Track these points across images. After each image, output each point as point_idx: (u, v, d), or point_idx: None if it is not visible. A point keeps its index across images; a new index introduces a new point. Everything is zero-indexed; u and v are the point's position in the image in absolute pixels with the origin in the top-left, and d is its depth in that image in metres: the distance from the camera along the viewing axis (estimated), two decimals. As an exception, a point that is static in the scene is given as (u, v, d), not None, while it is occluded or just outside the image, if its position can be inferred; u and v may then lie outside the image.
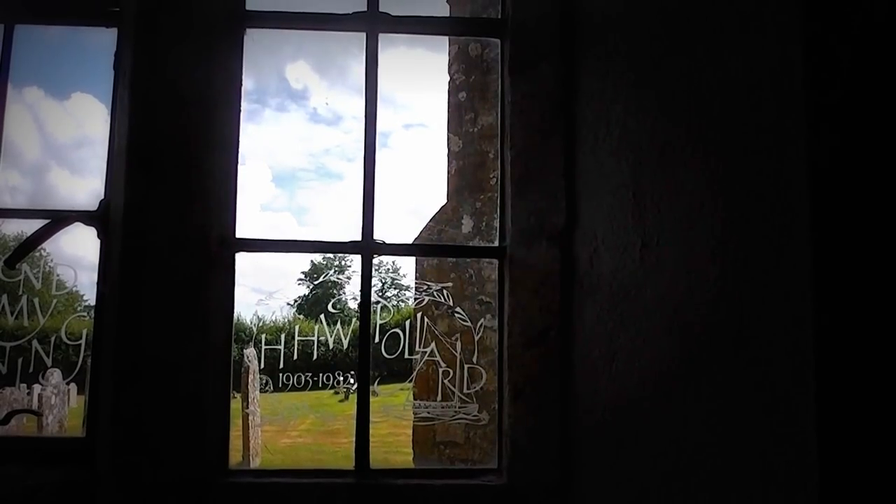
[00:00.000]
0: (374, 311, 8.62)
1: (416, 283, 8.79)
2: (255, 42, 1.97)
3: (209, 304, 1.78)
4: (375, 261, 1.95)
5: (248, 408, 9.58)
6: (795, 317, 1.02)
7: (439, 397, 8.10)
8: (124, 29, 1.91)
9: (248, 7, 1.96)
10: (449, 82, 9.24)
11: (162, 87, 1.81)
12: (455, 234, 8.86)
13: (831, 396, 0.98)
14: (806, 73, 1.02)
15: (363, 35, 1.96)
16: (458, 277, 8.55)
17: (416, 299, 8.71)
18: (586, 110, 1.79)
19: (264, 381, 9.87)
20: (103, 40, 1.94)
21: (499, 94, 1.99)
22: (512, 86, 1.92)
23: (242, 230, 1.88)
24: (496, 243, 1.95)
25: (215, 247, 1.82)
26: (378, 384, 8.95)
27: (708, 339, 1.25)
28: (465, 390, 7.99)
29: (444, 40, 8.46)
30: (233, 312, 1.88)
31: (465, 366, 8.01)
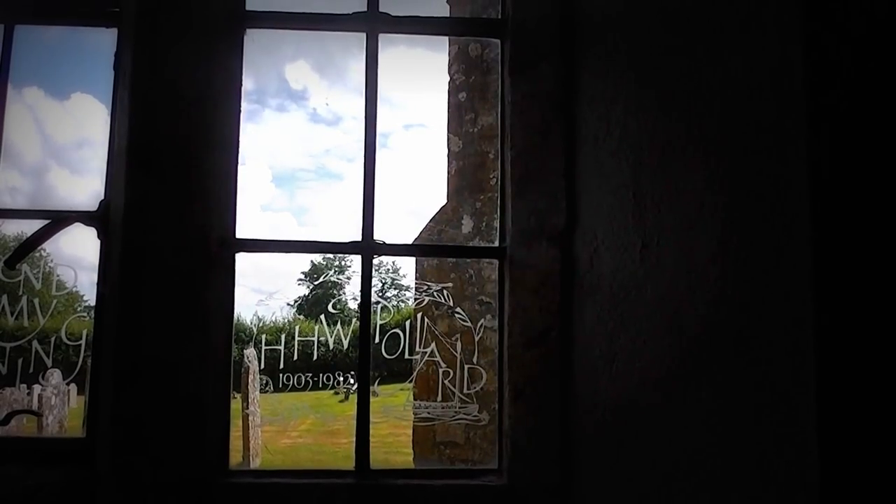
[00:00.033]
0: (375, 312, 8.62)
1: (416, 284, 8.79)
2: (255, 42, 1.97)
3: (209, 305, 1.78)
4: (375, 261, 1.95)
5: (248, 408, 9.58)
6: (796, 317, 1.02)
7: (439, 398, 8.09)
8: (124, 29, 1.91)
9: (248, 7, 1.96)
10: (449, 82, 9.24)
11: (162, 87, 1.81)
12: (455, 234, 8.86)
13: (832, 397, 0.98)
14: (806, 72, 1.02)
15: (363, 35, 1.96)
16: (459, 278, 8.55)
17: (416, 299, 8.71)
18: (586, 110, 1.79)
19: (264, 382, 9.87)
20: (103, 41, 1.95)
21: (499, 94, 2.00)
22: (512, 86, 1.92)
23: (242, 230, 1.89)
24: (496, 243, 1.95)
25: (215, 247, 1.82)
26: (378, 384, 8.95)
27: (708, 340, 1.25)
28: (465, 391, 7.99)
29: (444, 40, 8.46)
30: (233, 313, 1.88)
31: (466, 366, 8.01)
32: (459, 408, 8.00)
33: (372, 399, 1.93)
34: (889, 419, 0.98)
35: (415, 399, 8.35)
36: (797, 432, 1.01)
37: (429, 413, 8.18)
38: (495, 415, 1.95)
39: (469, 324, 8.26)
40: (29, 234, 1.88)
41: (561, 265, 1.84)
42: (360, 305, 1.96)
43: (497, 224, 1.98)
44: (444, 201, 9.23)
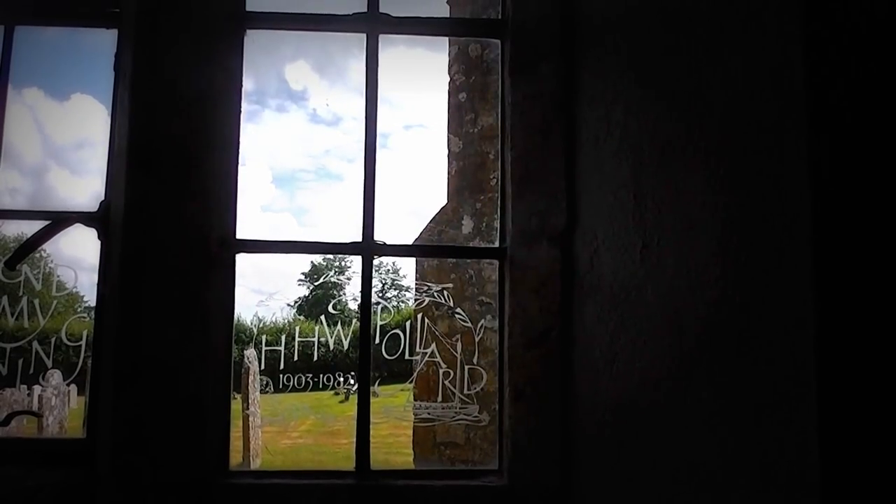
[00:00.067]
0: (375, 312, 8.61)
1: (416, 284, 8.79)
2: (255, 42, 1.97)
3: (209, 305, 1.78)
4: (376, 262, 1.95)
5: (248, 409, 9.58)
6: (796, 317, 1.02)
7: (440, 398, 8.09)
8: (124, 30, 1.91)
9: (248, 8, 1.96)
10: (449, 83, 9.24)
11: (162, 87, 1.81)
12: (455, 234, 8.86)
13: (832, 397, 0.97)
14: (807, 73, 1.02)
15: (363, 36, 1.96)
16: (459, 278, 8.55)
17: (416, 300, 8.72)
18: (587, 111, 1.79)
19: (265, 382, 9.87)
20: (103, 41, 1.95)
21: (499, 94, 1.99)
22: (512, 86, 1.92)
23: (243, 231, 1.88)
24: (497, 244, 1.95)
25: (215, 248, 1.82)
26: (378, 385, 8.96)
27: (709, 340, 1.25)
28: (465, 391, 7.99)
29: (445, 41, 8.47)
30: (233, 313, 1.88)
31: (466, 367, 8.01)
32: (460, 408, 8.00)
33: (372, 400, 1.93)
34: (890, 419, 0.98)
35: (415, 400, 8.35)
36: (798, 433, 1.01)
37: (429, 413, 8.18)
38: (495, 415, 1.95)
39: (469, 324, 8.26)
40: (29, 235, 1.88)
41: (561, 265, 1.84)
42: (360, 306, 1.95)
43: (497, 224, 1.98)
44: (444, 202, 9.24)
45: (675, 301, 1.36)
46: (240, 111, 1.91)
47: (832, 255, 1.00)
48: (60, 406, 9.73)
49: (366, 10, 1.97)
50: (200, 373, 1.76)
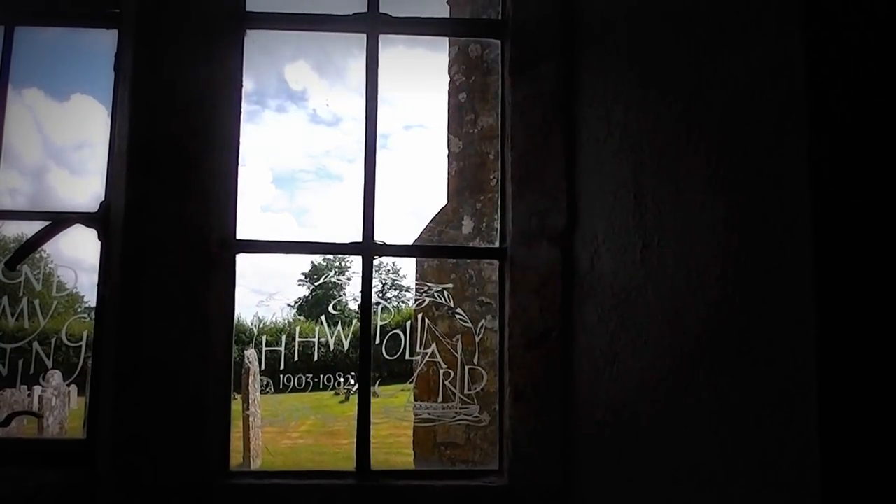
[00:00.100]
0: (375, 313, 8.61)
1: (416, 284, 8.79)
2: (255, 43, 1.97)
3: (209, 306, 1.78)
4: (376, 262, 1.95)
5: (248, 409, 9.57)
6: (797, 317, 1.02)
7: (440, 398, 8.09)
8: (124, 30, 1.92)
9: (248, 8, 1.96)
10: (449, 83, 9.24)
11: (162, 88, 1.81)
12: (455, 234, 8.86)
13: (833, 397, 0.97)
14: (807, 72, 1.02)
15: (363, 36, 1.96)
16: (459, 278, 8.54)
17: (416, 300, 8.71)
18: (587, 111, 1.78)
19: (265, 383, 9.86)
20: (103, 42, 1.95)
21: (499, 95, 2.00)
22: (512, 87, 1.92)
23: (243, 231, 1.89)
24: (497, 244, 1.95)
25: (216, 248, 1.82)
26: (379, 385, 8.95)
27: (709, 340, 1.25)
28: (465, 391, 7.98)
29: (445, 41, 8.46)
30: (233, 314, 1.88)
31: (466, 367, 8.00)
32: (460, 409, 8.00)
33: (372, 400, 1.93)
34: (891, 419, 0.98)
35: (415, 400, 8.34)
36: (798, 433, 1.01)
37: (429, 414, 8.18)
38: (496, 416, 1.95)
39: (469, 324, 8.26)
40: (29, 236, 1.88)
41: (562, 266, 1.84)
42: (360, 306, 1.96)
43: (497, 225, 1.98)
44: (444, 202, 9.23)
45: (676, 301, 1.36)
46: (240, 111, 1.91)
47: (832, 254, 0.99)
48: (61, 406, 9.73)
49: (366, 10, 1.97)
50: (200, 373, 1.76)
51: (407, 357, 8.48)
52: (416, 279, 8.79)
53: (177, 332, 1.75)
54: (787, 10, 1.07)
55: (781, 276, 1.06)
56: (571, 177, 1.85)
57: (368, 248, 1.91)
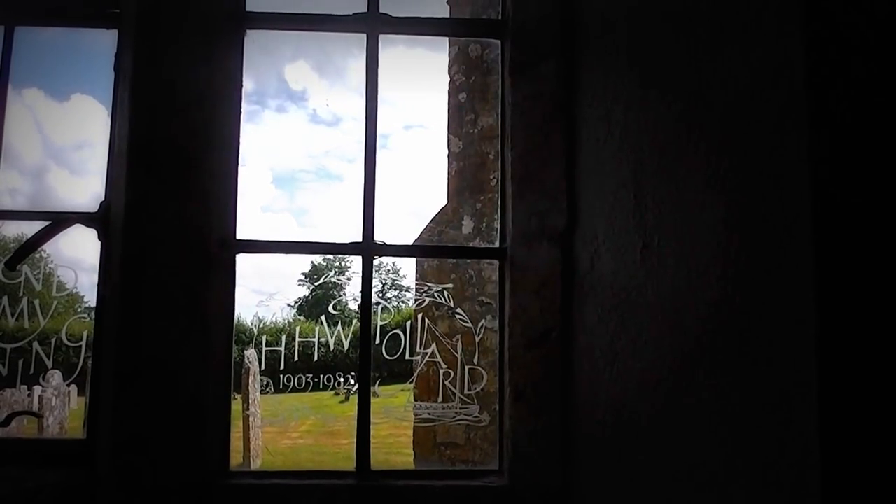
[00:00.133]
0: (375, 313, 8.61)
1: (416, 284, 8.79)
2: (255, 43, 1.97)
3: (210, 306, 1.78)
4: (376, 262, 1.95)
5: (248, 409, 9.57)
6: (797, 317, 1.02)
7: (440, 398, 8.09)
8: (125, 30, 1.91)
9: (248, 8, 1.96)
10: (449, 83, 9.24)
11: (162, 88, 1.81)
12: (455, 235, 8.86)
13: (833, 397, 0.97)
14: (807, 72, 1.02)
15: (363, 36, 1.96)
16: (459, 278, 8.54)
17: (416, 300, 8.71)
18: (587, 111, 1.78)
19: (265, 383, 9.86)
20: (103, 42, 1.95)
21: (499, 95, 2.00)
22: (512, 87, 1.92)
23: (243, 231, 1.89)
24: (497, 244, 1.95)
25: (216, 248, 1.82)
26: (379, 385, 8.95)
27: (709, 340, 1.25)
28: (465, 391, 7.98)
29: (444, 41, 8.47)
30: (233, 314, 1.88)
31: (466, 367, 8.00)
32: (460, 409, 8.00)
33: (372, 400, 1.93)
34: (891, 420, 0.98)
35: (415, 400, 8.34)
36: (798, 433, 1.01)
37: (429, 414, 8.17)
38: (496, 416, 1.95)
39: (469, 324, 8.26)
40: (29, 236, 1.88)
41: (562, 266, 1.84)
42: (360, 306, 1.96)
43: (497, 225, 1.98)
44: (444, 202, 9.23)
45: (676, 301, 1.36)
46: (240, 111, 1.91)
47: (833, 254, 0.99)
48: (61, 407, 9.72)
49: (366, 10, 1.97)
50: (201, 373, 1.76)
51: (407, 357, 8.48)
52: (416, 279, 8.79)
53: (177, 332, 1.75)
54: (787, 10, 1.07)
55: (781, 276, 1.06)
56: (571, 177, 1.85)
57: (368, 248, 1.91)
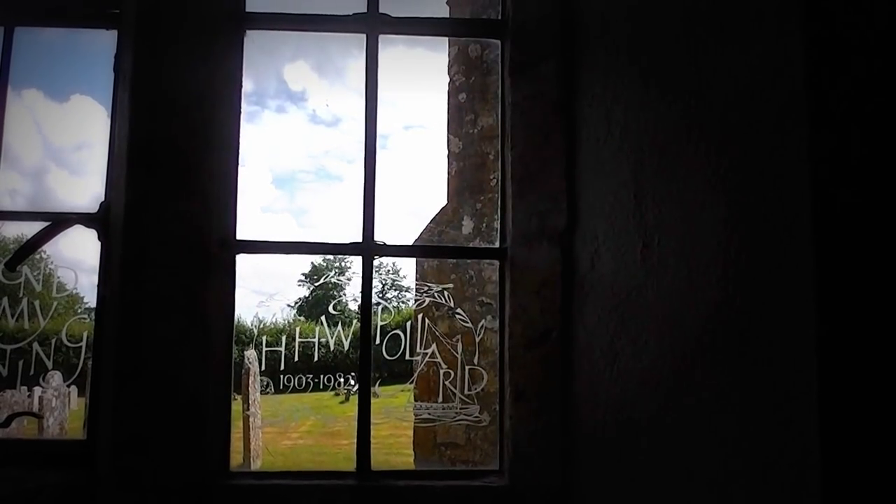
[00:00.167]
0: (375, 313, 8.61)
1: (416, 285, 8.79)
2: (255, 43, 1.97)
3: (209, 306, 1.78)
4: (376, 262, 1.95)
5: (248, 409, 9.57)
6: (797, 317, 1.02)
7: (440, 399, 8.09)
8: (124, 31, 1.91)
9: (248, 8, 1.96)
10: (449, 83, 9.24)
11: (162, 88, 1.81)
12: (455, 235, 8.86)
13: (834, 397, 0.97)
14: (807, 72, 1.02)
15: (363, 36, 1.96)
16: (459, 279, 8.55)
17: (416, 300, 8.71)
18: (587, 111, 1.78)
19: (265, 383, 9.86)
20: (103, 42, 1.95)
21: (499, 95, 1.99)
22: (512, 87, 1.91)
23: (243, 232, 1.88)
24: (497, 244, 1.95)
25: (216, 248, 1.81)
26: (379, 386, 8.94)
27: (709, 340, 1.25)
28: (466, 392, 7.98)
29: (444, 41, 8.46)
30: (233, 314, 1.88)
31: (466, 367, 8.00)
32: (460, 409, 7.99)
33: (373, 400, 1.93)
34: (891, 420, 0.98)
35: (415, 400, 8.34)
36: (799, 433, 1.01)
37: (429, 414, 8.17)
38: (496, 416, 1.95)
39: (470, 325, 8.26)
40: (29, 237, 1.88)
41: (562, 266, 1.84)
42: (360, 307, 1.95)
43: (497, 225, 1.98)
44: (444, 202, 9.24)
45: (676, 301, 1.36)
46: (239, 112, 1.91)
47: (833, 254, 0.99)
48: (61, 407, 9.72)
49: (365, 10, 1.97)
50: (201, 374, 1.76)
51: (407, 357, 8.48)
52: (417, 279, 8.79)
53: (177, 332, 1.75)
54: (787, 9, 1.07)
55: (782, 276, 1.06)
56: (571, 177, 1.85)
57: (368, 249, 1.91)
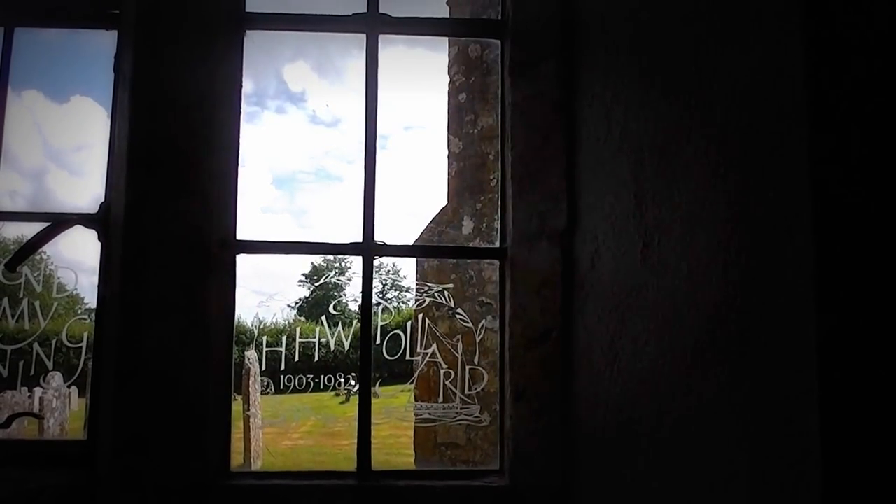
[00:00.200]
0: (375, 313, 8.61)
1: (416, 285, 8.79)
2: (254, 43, 1.97)
3: (210, 307, 1.78)
4: (376, 262, 1.95)
5: (249, 410, 9.58)
6: (798, 317, 1.02)
7: (441, 399, 8.09)
8: (124, 31, 1.91)
9: (248, 9, 1.96)
10: (449, 83, 9.24)
11: (162, 89, 1.81)
12: (456, 235, 8.86)
13: (834, 397, 0.97)
14: (807, 72, 1.02)
15: (363, 36, 1.96)
16: (459, 279, 8.55)
17: (416, 300, 8.71)
18: (587, 111, 1.78)
19: (265, 383, 9.86)
20: (103, 43, 1.95)
21: (499, 95, 2.00)
22: (512, 87, 1.92)
23: (243, 232, 1.89)
24: (497, 244, 1.95)
25: (216, 249, 1.82)
26: (379, 386, 8.95)
27: (710, 340, 1.25)
28: (466, 392, 7.98)
29: (444, 41, 8.47)
30: (233, 314, 1.88)
31: (467, 367, 8.00)
32: (461, 409, 7.99)
33: (373, 400, 1.93)
34: (891, 420, 0.98)
35: (416, 400, 8.34)
36: (799, 433, 1.01)
37: (430, 414, 8.17)
38: (496, 416, 1.95)
39: (470, 325, 8.26)
40: (29, 237, 1.88)
41: (562, 266, 1.84)
42: (360, 307, 1.96)
43: (498, 225, 1.98)
44: (444, 202, 9.24)
45: (676, 301, 1.36)
46: (239, 112, 1.91)
47: (833, 254, 0.99)
48: (61, 408, 9.72)
49: (365, 10, 1.97)
50: (201, 374, 1.76)
51: (407, 357, 8.47)
52: (417, 279, 8.79)
53: (177, 333, 1.75)
54: (787, 9, 1.07)
55: (782, 275, 1.06)
56: (571, 177, 1.85)
57: (368, 249, 1.91)
